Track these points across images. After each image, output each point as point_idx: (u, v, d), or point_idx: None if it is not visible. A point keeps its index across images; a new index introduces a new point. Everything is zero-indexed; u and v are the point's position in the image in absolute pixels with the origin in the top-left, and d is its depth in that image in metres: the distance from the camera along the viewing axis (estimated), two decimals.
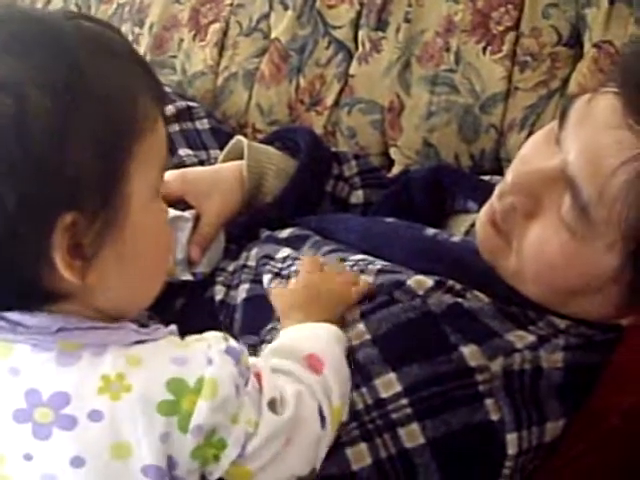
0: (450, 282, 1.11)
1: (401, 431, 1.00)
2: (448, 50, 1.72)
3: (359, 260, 1.18)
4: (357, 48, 1.87)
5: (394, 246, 1.22)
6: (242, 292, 1.25)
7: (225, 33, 2.09)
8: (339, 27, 1.90)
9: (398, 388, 1.01)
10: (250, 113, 2.01)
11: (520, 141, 1.59)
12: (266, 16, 2.03)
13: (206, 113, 1.98)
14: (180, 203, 1.41)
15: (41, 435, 0.84)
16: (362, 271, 1.15)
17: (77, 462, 0.84)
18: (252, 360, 0.93)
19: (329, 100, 1.90)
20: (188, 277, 1.30)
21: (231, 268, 1.32)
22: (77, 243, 0.81)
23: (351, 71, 1.87)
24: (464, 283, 1.11)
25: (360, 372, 1.02)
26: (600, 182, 1.00)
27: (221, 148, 1.73)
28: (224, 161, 1.53)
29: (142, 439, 0.83)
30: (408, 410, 1.00)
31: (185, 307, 1.21)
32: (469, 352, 1.02)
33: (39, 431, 0.84)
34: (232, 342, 0.91)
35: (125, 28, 2.26)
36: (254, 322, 1.17)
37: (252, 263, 1.28)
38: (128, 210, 0.85)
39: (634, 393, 1.04)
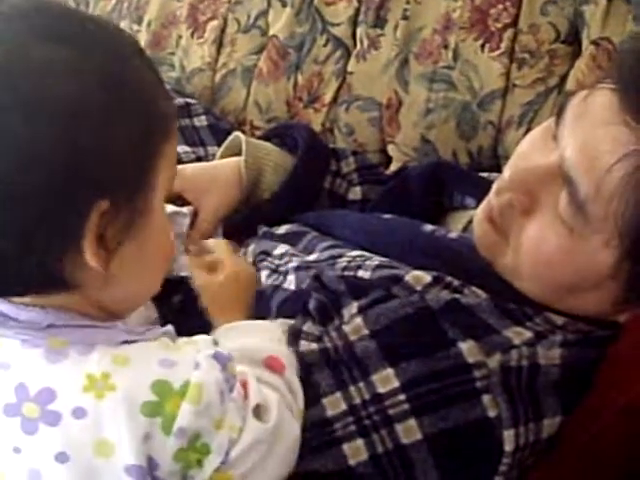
0: (448, 278, 1.11)
1: (398, 427, 1.00)
2: (446, 47, 1.72)
3: (357, 256, 1.18)
4: (355, 45, 1.88)
5: (392, 242, 1.22)
6: None
7: (223, 30, 2.09)
8: (337, 24, 1.90)
9: (396, 384, 1.01)
10: (248, 110, 2.02)
11: (518, 138, 1.59)
12: (264, 13, 2.03)
13: (204, 110, 1.99)
14: (178, 199, 1.41)
15: (28, 429, 0.85)
16: (359, 267, 1.15)
17: (62, 458, 0.85)
18: (239, 367, 0.93)
19: (327, 97, 1.90)
20: (186, 273, 1.30)
21: None
22: (102, 234, 0.83)
23: (349, 68, 1.87)
24: (462, 279, 1.11)
25: (358, 367, 1.02)
26: (597, 178, 1.00)
27: (219, 145, 1.73)
28: (222, 157, 1.53)
29: (124, 438, 0.84)
30: (405, 406, 1.00)
31: (183, 303, 1.20)
32: (467, 348, 1.02)
33: (27, 425, 0.85)
34: (220, 347, 0.92)
35: (123, 25, 2.26)
36: (252, 318, 1.17)
37: (249, 259, 1.28)
38: (150, 207, 0.87)
39: (630, 390, 1.04)
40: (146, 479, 0.85)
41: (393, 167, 1.78)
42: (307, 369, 1.02)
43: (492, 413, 1.01)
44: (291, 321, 1.09)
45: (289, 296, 1.16)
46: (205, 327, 1.09)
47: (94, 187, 0.81)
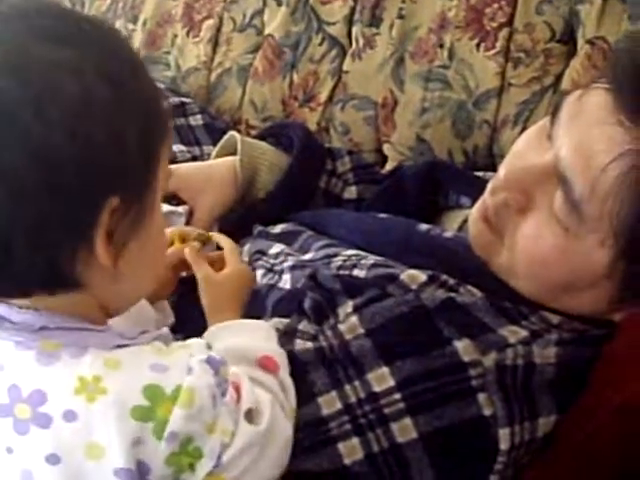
0: (443, 277, 1.11)
1: (394, 426, 1.00)
2: (442, 46, 1.72)
3: (352, 255, 1.18)
4: (351, 44, 1.87)
5: (387, 241, 1.23)
6: None
7: (219, 29, 2.09)
8: (333, 23, 1.90)
9: (391, 382, 1.01)
10: (244, 109, 2.02)
11: (513, 137, 1.59)
12: (260, 12, 2.03)
13: (200, 109, 1.99)
14: (173, 198, 1.41)
15: (20, 430, 0.85)
16: (355, 266, 1.15)
17: (53, 459, 0.85)
18: (232, 369, 0.93)
19: (323, 96, 1.90)
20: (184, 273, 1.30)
21: None
22: (113, 230, 0.83)
23: (345, 67, 1.87)
24: (457, 278, 1.11)
25: (353, 365, 1.02)
26: (592, 178, 1.00)
27: (214, 144, 1.74)
28: (217, 157, 1.53)
29: (114, 442, 0.84)
30: (401, 405, 1.00)
31: (178, 302, 1.20)
32: (462, 347, 1.02)
33: (18, 426, 0.85)
34: (214, 352, 0.92)
35: (119, 24, 2.26)
36: (246, 317, 1.17)
37: (245, 258, 1.28)
38: (154, 204, 0.88)
39: (625, 389, 1.04)
40: None
41: (389, 166, 1.78)
42: (302, 368, 1.03)
43: (487, 412, 1.01)
44: (286, 320, 1.09)
45: (284, 295, 1.16)
46: (200, 327, 1.10)
47: (106, 183, 0.81)
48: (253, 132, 1.94)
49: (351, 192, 1.51)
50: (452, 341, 1.03)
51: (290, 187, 1.46)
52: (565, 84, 1.59)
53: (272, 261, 1.24)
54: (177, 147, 1.82)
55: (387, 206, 1.41)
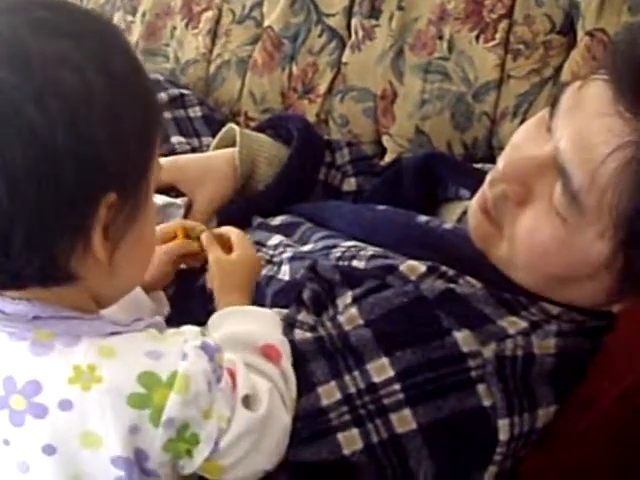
0: (443, 268, 1.11)
1: (393, 416, 1.00)
2: (441, 38, 1.72)
3: (351, 246, 1.19)
4: (350, 36, 1.87)
5: (386, 233, 1.23)
6: None
7: (218, 21, 2.09)
8: (332, 15, 1.90)
9: (390, 373, 1.01)
10: (243, 101, 2.01)
11: (513, 129, 1.58)
12: (259, 4, 2.03)
13: (199, 101, 1.98)
14: (172, 190, 1.41)
15: (16, 422, 0.85)
16: (354, 257, 1.15)
17: (49, 450, 0.85)
18: (227, 356, 0.93)
19: (322, 88, 1.90)
20: (183, 266, 1.30)
21: None
22: (109, 225, 0.83)
23: (344, 59, 1.87)
24: (456, 269, 1.12)
25: (353, 355, 1.02)
26: (591, 170, 1.00)
27: (213, 136, 1.74)
28: (216, 148, 1.53)
29: (110, 430, 0.84)
30: (400, 395, 1.00)
31: (176, 295, 1.21)
32: (462, 337, 1.03)
33: (14, 418, 0.85)
34: (208, 338, 0.92)
35: (118, 16, 2.26)
36: None
37: None
38: (147, 198, 0.88)
39: (624, 380, 1.04)
40: (133, 471, 0.86)
41: (388, 158, 1.78)
42: (302, 358, 1.02)
43: (487, 402, 1.01)
44: (285, 311, 1.09)
45: (284, 286, 1.16)
46: (200, 317, 1.10)
47: (104, 178, 0.81)
48: (252, 124, 1.94)
49: (350, 184, 1.51)
50: (452, 332, 1.03)
51: (289, 179, 1.46)
52: (565, 76, 1.59)
53: (271, 252, 1.24)
54: (176, 139, 1.82)
55: (386, 198, 1.41)
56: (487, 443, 1.01)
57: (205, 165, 1.45)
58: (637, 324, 1.08)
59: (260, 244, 1.27)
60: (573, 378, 1.06)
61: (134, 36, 2.20)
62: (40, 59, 0.78)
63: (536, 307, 1.09)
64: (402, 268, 1.10)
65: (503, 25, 1.66)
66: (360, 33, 1.84)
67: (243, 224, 1.37)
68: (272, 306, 1.13)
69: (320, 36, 1.91)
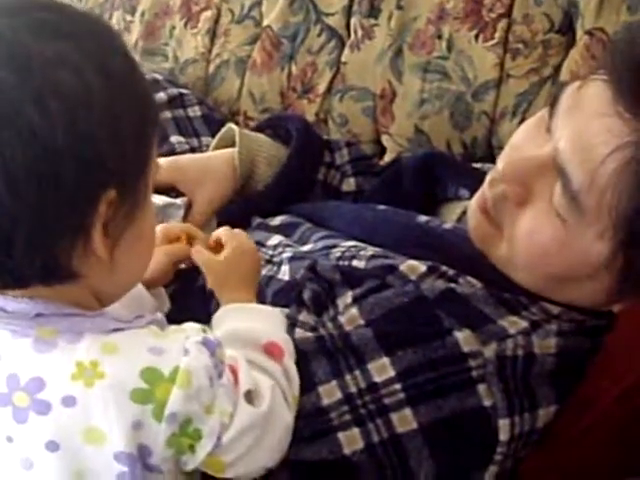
0: (443, 267, 1.11)
1: (394, 416, 1.00)
2: (440, 37, 1.72)
3: (351, 246, 1.19)
4: (349, 35, 1.87)
5: (386, 233, 1.23)
6: None
7: (217, 21, 2.09)
8: (331, 14, 1.90)
9: (391, 373, 1.01)
10: (242, 100, 2.01)
11: (512, 128, 1.59)
12: (258, 3, 2.03)
13: (198, 100, 1.98)
14: (172, 191, 1.42)
15: (19, 419, 0.85)
16: (354, 257, 1.16)
17: (52, 446, 0.85)
18: (228, 352, 0.94)
19: (321, 87, 1.90)
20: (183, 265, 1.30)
21: None
22: (109, 222, 0.84)
23: (343, 58, 1.87)
24: (456, 269, 1.12)
25: (354, 355, 1.03)
26: (590, 170, 1.00)
27: (213, 135, 1.74)
28: (215, 149, 1.53)
29: (114, 426, 0.84)
30: (401, 395, 1.01)
31: (177, 294, 1.21)
32: (463, 337, 1.03)
33: (18, 415, 0.85)
34: (209, 334, 0.92)
35: (117, 15, 2.27)
36: None
37: None
38: (146, 194, 0.89)
39: (624, 380, 1.05)
40: (136, 466, 0.86)
41: (387, 157, 1.78)
42: (303, 357, 1.03)
43: (487, 402, 1.01)
44: (286, 310, 1.10)
45: (283, 286, 1.16)
46: (201, 316, 1.10)
47: (104, 176, 0.82)
48: (251, 123, 1.94)
49: (349, 184, 1.51)
50: (452, 332, 1.03)
51: (288, 179, 1.46)
52: (564, 75, 1.59)
53: (271, 252, 1.24)
54: (175, 138, 1.83)
55: (386, 198, 1.41)
56: (488, 443, 1.02)
57: (205, 165, 1.45)
58: (637, 324, 1.08)
59: (260, 244, 1.27)
60: (573, 378, 1.06)
61: (133, 35, 2.20)
62: (40, 60, 0.79)
63: (536, 307, 1.09)
64: (402, 268, 1.10)
65: (502, 24, 1.66)
66: (359, 32, 1.84)
67: (243, 224, 1.38)
68: (272, 306, 1.12)
69: (319, 35, 1.91)
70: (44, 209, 0.79)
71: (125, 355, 0.86)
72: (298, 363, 1.02)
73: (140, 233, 0.89)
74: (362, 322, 1.05)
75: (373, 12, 1.83)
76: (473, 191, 1.19)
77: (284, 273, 1.18)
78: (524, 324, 1.06)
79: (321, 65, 1.90)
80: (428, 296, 1.06)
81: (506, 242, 1.11)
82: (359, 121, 1.84)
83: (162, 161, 1.39)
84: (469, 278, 1.11)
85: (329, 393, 1.01)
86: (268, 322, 1.03)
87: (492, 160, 1.59)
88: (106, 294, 0.91)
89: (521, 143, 1.13)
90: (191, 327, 0.92)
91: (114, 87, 0.82)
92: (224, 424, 0.89)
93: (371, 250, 1.16)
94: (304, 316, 1.09)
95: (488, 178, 1.15)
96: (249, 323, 1.02)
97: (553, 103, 1.09)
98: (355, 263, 1.14)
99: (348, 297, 1.09)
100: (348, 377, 1.02)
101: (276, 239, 1.27)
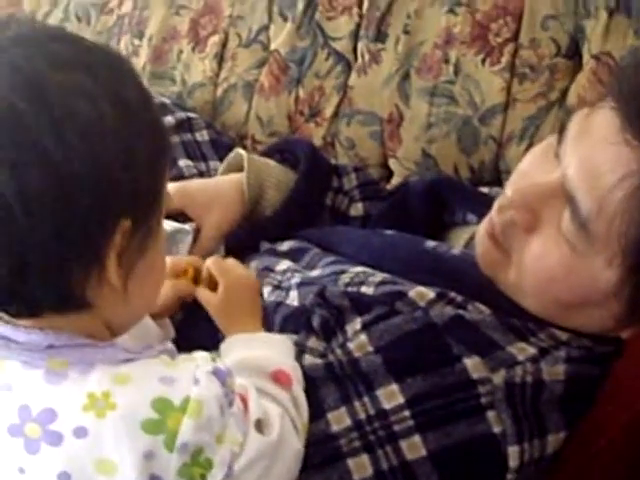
0: (451, 294, 1.11)
1: (403, 443, 1.00)
2: (447, 62, 1.73)
3: (359, 272, 1.19)
4: (356, 60, 1.88)
5: (394, 258, 1.23)
6: None
7: (224, 45, 2.09)
8: (338, 39, 1.91)
9: (400, 399, 1.01)
10: (250, 124, 2.02)
11: (519, 153, 1.60)
12: (265, 28, 2.03)
13: (206, 124, 1.99)
14: (180, 216, 1.42)
15: (31, 450, 0.86)
16: (362, 283, 1.15)
17: (64, 477, 0.85)
18: (238, 381, 0.94)
19: (328, 111, 1.90)
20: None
21: None
22: (123, 251, 0.84)
23: (350, 82, 1.88)
24: (465, 295, 1.12)
25: (363, 381, 1.03)
26: (599, 197, 1.00)
27: (221, 159, 1.74)
28: (223, 174, 1.54)
29: (125, 457, 0.84)
30: (410, 422, 1.01)
31: (183, 321, 1.21)
32: (472, 364, 1.03)
33: (29, 446, 0.86)
34: (219, 363, 0.92)
35: (125, 40, 2.27)
36: None
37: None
38: (159, 224, 0.90)
39: (633, 406, 1.04)
40: None
41: (394, 181, 1.79)
42: (312, 384, 1.03)
43: (497, 429, 1.01)
44: (295, 337, 1.10)
45: (292, 312, 1.16)
46: (207, 345, 1.10)
47: (119, 206, 0.83)
48: (259, 147, 1.94)
49: (357, 209, 1.51)
50: (461, 358, 1.03)
51: (297, 204, 1.46)
52: (571, 99, 1.59)
53: (279, 278, 1.24)
54: (184, 162, 1.83)
55: (393, 223, 1.41)
56: (497, 470, 1.01)
57: (213, 190, 1.45)
58: None
59: (268, 269, 1.27)
60: (582, 404, 1.06)
61: (141, 59, 2.21)
62: (55, 89, 0.80)
63: (545, 333, 1.09)
64: (411, 294, 1.11)
65: (509, 49, 1.67)
66: (366, 57, 1.85)
67: (251, 249, 1.38)
68: (280, 331, 1.13)
69: (326, 60, 1.92)
70: (59, 238, 0.80)
71: (136, 385, 0.86)
72: (307, 390, 1.02)
73: (152, 263, 0.90)
74: (371, 348, 1.05)
75: (380, 37, 1.83)
76: (481, 216, 1.20)
77: (293, 299, 1.18)
78: (533, 351, 1.06)
79: (328, 89, 1.91)
80: (437, 323, 1.06)
81: (514, 268, 1.11)
82: (366, 145, 1.84)
83: (171, 186, 1.39)
84: (478, 304, 1.11)
85: (338, 420, 1.01)
86: (275, 350, 1.04)
87: (499, 184, 1.59)
88: (118, 324, 0.91)
89: (529, 169, 1.13)
90: (201, 356, 0.92)
91: (128, 117, 0.83)
92: (235, 453, 0.89)
93: (380, 276, 1.16)
94: (313, 342, 1.09)
95: (496, 204, 1.15)
96: (256, 351, 1.02)
97: (561, 130, 1.09)
98: (364, 289, 1.14)
99: (357, 323, 1.09)
100: (357, 404, 1.02)
101: (284, 264, 1.27)
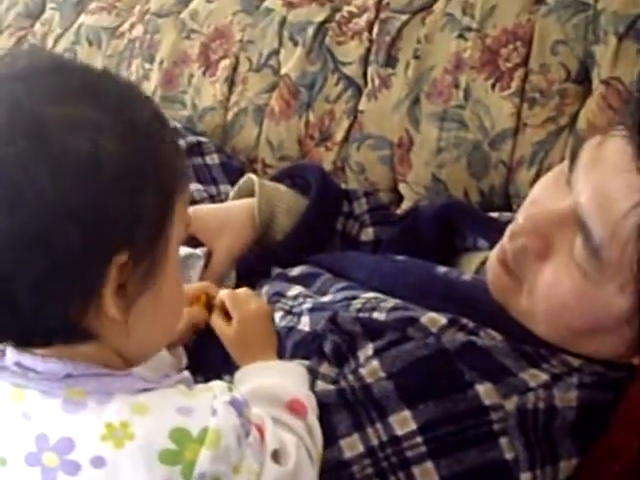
0: (463, 320, 1.11)
1: (415, 469, 1.00)
2: (457, 86, 1.73)
3: (371, 298, 1.19)
4: (366, 84, 1.89)
5: (405, 284, 1.23)
6: None
7: (235, 69, 2.10)
8: (349, 63, 1.92)
9: (413, 426, 1.01)
10: (260, 148, 2.02)
11: (529, 177, 1.61)
12: (276, 52, 2.05)
13: (216, 148, 2.00)
14: (191, 240, 1.42)
15: (48, 479, 0.85)
16: (374, 309, 1.16)
17: None
18: (255, 410, 0.94)
19: (338, 136, 1.91)
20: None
21: None
22: (122, 284, 0.84)
23: (360, 107, 1.88)
24: (476, 321, 1.12)
25: (375, 408, 1.03)
26: (611, 225, 1.01)
27: (231, 183, 1.75)
28: (235, 199, 1.54)
29: None
30: (423, 448, 1.01)
31: (197, 344, 1.21)
32: (484, 390, 1.03)
33: (47, 475, 0.85)
34: (236, 393, 0.92)
35: (136, 63, 2.28)
36: None
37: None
38: (167, 256, 0.88)
39: None
40: None
41: (404, 206, 1.79)
42: (324, 410, 1.03)
43: (509, 456, 1.01)
44: (307, 362, 1.10)
45: (304, 337, 1.16)
46: (218, 370, 1.11)
47: (113, 241, 0.82)
48: (269, 171, 1.95)
49: (368, 234, 1.51)
50: (474, 385, 1.03)
51: (308, 230, 1.46)
52: (580, 124, 1.60)
53: (291, 303, 1.24)
54: (194, 186, 1.83)
55: (404, 248, 1.41)
56: None
57: (224, 215, 1.46)
58: None
59: (279, 295, 1.27)
60: (595, 430, 1.06)
61: (152, 83, 2.22)
62: (55, 125, 0.80)
63: (557, 359, 1.09)
64: (423, 320, 1.11)
65: (519, 74, 1.67)
66: (376, 81, 1.86)
67: (262, 274, 1.38)
68: (292, 357, 1.13)
69: (336, 84, 1.93)
70: (50, 272, 0.80)
71: (154, 415, 0.86)
72: (319, 416, 1.02)
73: (160, 294, 0.89)
74: (383, 375, 1.05)
75: (390, 61, 1.85)
76: (492, 241, 1.20)
77: (304, 324, 1.18)
78: (545, 377, 1.06)
79: (338, 113, 1.91)
80: (449, 349, 1.07)
81: (526, 295, 1.12)
82: (376, 169, 1.85)
83: None
84: (489, 331, 1.11)
85: (351, 446, 1.01)
86: (290, 378, 1.04)
87: (509, 209, 1.60)
88: (130, 354, 0.91)
89: (541, 196, 1.13)
90: (218, 386, 0.92)
91: (131, 152, 0.82)
92: None
93: (391, 302, 1.16)
94: (325, 368, 1.09)
95: (508, 231, 1.15)
96: (272, 380, 1.02)
97: (573, 157, 1.09)
98: (376, 315, 1.14)
99: (369, 349, 1.09)
100: (370, 430, 1.02)
101: (296, 290, 1.27)
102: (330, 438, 1.01)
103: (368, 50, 1.89)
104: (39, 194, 0.78)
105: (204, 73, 2.15)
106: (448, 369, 1.05)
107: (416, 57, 1.80)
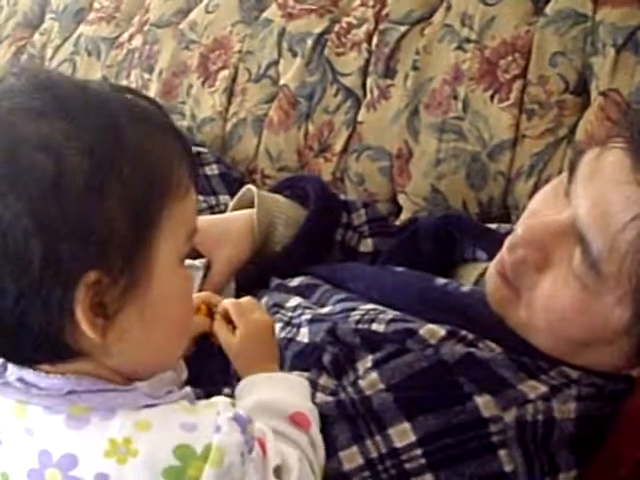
0: (462, 332, 1.12)
1: None
2: (456, 98, 1.73)
3: (370, 309, 1.19)
4: (365, 95, 1.89)
5: (404, 296, 1.23)
6: None
7: (234, 79, 2.10)
8: (348, 74, 1.92)
9: (412, 438, 1.01)
10: (259, 159, 2.02)
11: (528, 188, 1.61)
12: (275, 63, 2.05)
13: (215, 159, 1.99)
14: (191, 252, 1.42)
15: None
16: (373, 320, 1.16)
17: None
18: (258, 425, 0.93)
19: (337, 146, 1.91)
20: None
21: None
22: (100, 301, 0.82)
23: (359, 118, 1.88)
24: (475, 333, 1.12)
25: (374, 420, 1.03)
26: (610, 237, 1.01)
27: (230, 193, 1.75)
28: (234, 210, 1.54)
29: None
30: (422, 460, 1.01)
31: (196, 356, 1.21)
32: (483, 402, 1.03)
33: None
34: (240, 409, 0.91)
35: (135, 74, 2.29)
36: None
37: None
38: (151, 273, 0.85)
39: None
40: None
41: (403, 216, 1.79)
42: (323, 422, 1.02)
43: (508, 468, 1.01)
44: (306, 374, 1.10)
45: (303, 349, 1.16)
46: (218, 379, 1.11)
47: (81, 259, 0.80)
48: (268, 182, 1.95)
49: (367, 245, 1.52)
50: (473, 397, 1.03)
51: (307, 241, 1.47)
52: (579, 135, 1.59)
53: (290, 314, 1.25)
54: None
55: (403, 259, 1.41)
56: None
57: (223, 226, 1.46)
58: None
59: (278, 306, 1.27)
60: (594, 442, 1.06)
61: (151, 93, 2.21)
62: (23, 142, 0.79)
63: (556, 371, 1.09)
64: (422, 332, 1.11)
65: (517, 85, 1.67)
66: (375, 92, 1.86)
67: (261, 285, 1.38)
68: (291, 369, 1.13)
69: (335, 95, 1.93)
70: (25, 291, 0.80)
71: (158, 432, 0.85)
72: (319, 428, 1.02)
73: (147, 311, 0.86)
74: (383, 387, 1.05)
75: (389, 73, 1.84)
76: (490, 253, 1.20)
77: (303, 335, 1.19)
78: (544, 389, 1.06)
79: (337, 124, 1.92)
80: (448, 361, 1.07)
81: (525, 306, 1.12)
82: (375, 180, 1.85)
83: None
84: (488, 342, 1.11)
85: (350, 458, 1.01)
86: (293, 391, 1.03)
87: (508, 220, 1.60)
88: (126, 372, 0.89)
89: (540, 208, 1.14)
90: (221, 401, 0.91)
91: (101, 168, 0.80)
92: None
93: (390, 313, 1.17)
94: (324, 380, 1.09)
95: (507, 243, 1.15)
96: (275, 393, 1.01)
97: (572, 169, 1.09)
98: (374, 327, 1.15)
99: (368, 361, 1.09)
100: (369, 442, 1.02)
101: (295, 301, 1.28)
102: (329, 450, 1.01)
103: (367, 61, 1.89)
104: (5, 211, 0.78)
105: (203, 84, 2.15)
106: (447, 381, 1.05)
107: (415, 68, 1.81)
